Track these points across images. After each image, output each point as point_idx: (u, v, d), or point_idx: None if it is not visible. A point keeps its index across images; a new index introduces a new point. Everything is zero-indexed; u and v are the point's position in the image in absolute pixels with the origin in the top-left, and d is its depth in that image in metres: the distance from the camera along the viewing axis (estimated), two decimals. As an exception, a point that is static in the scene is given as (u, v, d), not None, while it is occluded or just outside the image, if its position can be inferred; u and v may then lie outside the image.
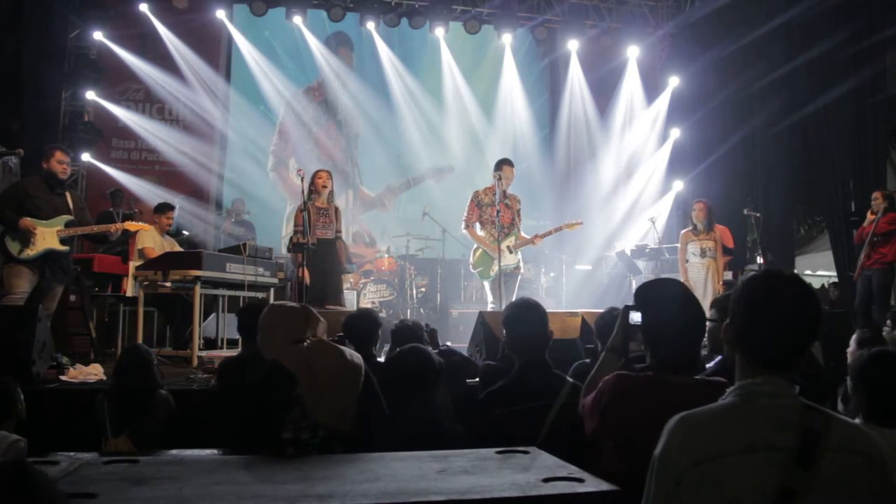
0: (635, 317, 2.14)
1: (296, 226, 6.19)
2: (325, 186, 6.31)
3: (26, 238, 5.03)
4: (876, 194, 6.94)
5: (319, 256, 6.16)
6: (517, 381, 2.56)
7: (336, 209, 6.45)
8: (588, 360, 3.19)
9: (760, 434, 1.33)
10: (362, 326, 3.45)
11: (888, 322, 4.39)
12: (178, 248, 6.62)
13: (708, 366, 2.80)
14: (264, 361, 2.43)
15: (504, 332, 2.71)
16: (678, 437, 1.37)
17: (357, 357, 2.53)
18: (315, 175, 6.37)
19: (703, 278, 6.72)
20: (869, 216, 6.93)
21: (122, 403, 3.40)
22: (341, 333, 3.51)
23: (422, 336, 3.63)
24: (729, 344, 1.49)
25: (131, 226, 5.83)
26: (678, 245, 7.23)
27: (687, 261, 6.89)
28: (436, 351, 3.49)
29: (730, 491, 1.29)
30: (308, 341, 2.43)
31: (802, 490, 1.28)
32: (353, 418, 2.36)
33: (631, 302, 2.19)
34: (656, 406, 1.90)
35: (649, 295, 2.13)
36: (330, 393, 2.34)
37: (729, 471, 1.30)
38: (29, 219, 5.05)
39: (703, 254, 6.77)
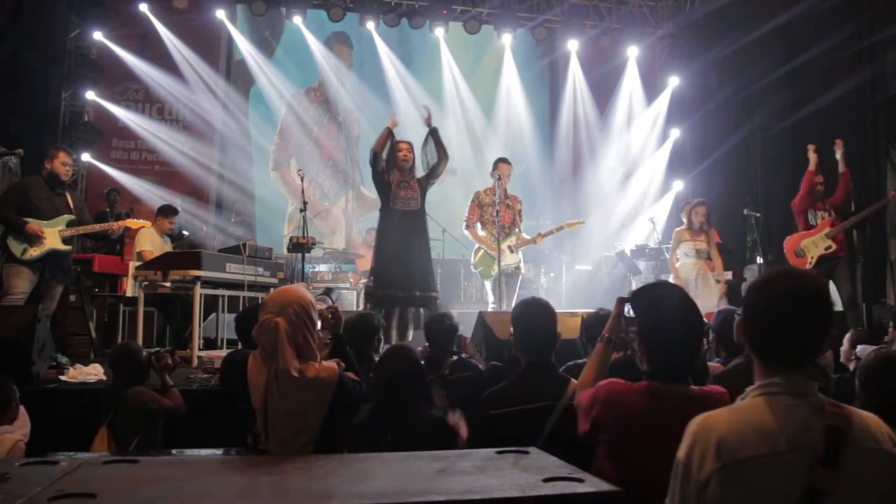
0: (629, 309, 2.13)
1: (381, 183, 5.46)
2: (405, 160, 5.52)
3: (31, 240, 5.03)
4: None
5: (399, 231, 5.38)
6: (521, 382, 2.54)
7: (419, 181, 5.63)
8: (581, 361, 3.19)
9: (784, 434, 1.31)
10: (361, 330, 3.41)
11: (890, 322, 4.38)
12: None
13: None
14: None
15: (511, 330, 2.69)
16: (702, 439, 1.35)
17: (326, 385, 2.28)
18: (395, 147, 5.57)
19: (693, 279, 6.47)
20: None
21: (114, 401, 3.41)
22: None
23: (451, 326, 3.61)
24: (745, 345, 1.47)
25: (133, 223, 5.83)
26: (671, 244, 6.91)
27: (678, 260, 6.63)
28: (454, 358, 3.47)
29: (756, 493, 1.28)
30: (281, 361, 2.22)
31: (829, 489, 1.27)
32: (312, 447, 2.18)
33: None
34: (649, 415, 1.90)
35: (650, 300, 2.09)
36: (285, 424, 2.17)
37: (755, 473, 1.29)
38: (35, 223, 5.05)
39: (697, 254, 6.54)
